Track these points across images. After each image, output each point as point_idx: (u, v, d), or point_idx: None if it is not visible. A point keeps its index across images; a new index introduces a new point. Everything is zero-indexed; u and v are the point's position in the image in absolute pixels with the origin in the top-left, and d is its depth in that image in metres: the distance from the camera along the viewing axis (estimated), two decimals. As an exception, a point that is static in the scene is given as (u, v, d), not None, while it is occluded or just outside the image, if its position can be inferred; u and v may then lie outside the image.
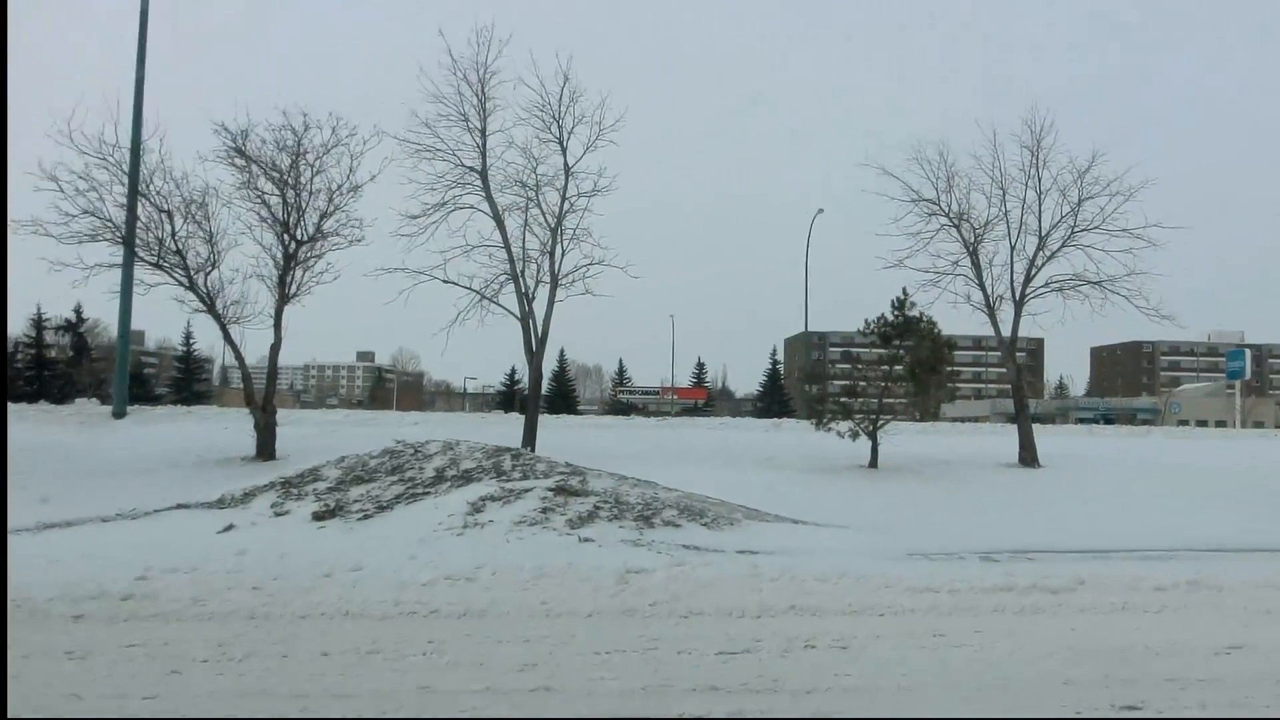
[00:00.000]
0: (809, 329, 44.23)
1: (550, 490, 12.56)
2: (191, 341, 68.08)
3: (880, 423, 19.78)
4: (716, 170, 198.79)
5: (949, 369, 21.09)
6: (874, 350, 20.85)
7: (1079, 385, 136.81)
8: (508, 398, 75.96)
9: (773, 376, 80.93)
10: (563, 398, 76.31)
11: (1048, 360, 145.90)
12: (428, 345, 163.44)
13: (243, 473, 16.03)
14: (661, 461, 18.22)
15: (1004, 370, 23.46)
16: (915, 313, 20.13)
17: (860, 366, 20.71)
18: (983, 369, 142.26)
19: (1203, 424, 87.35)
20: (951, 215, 21.94)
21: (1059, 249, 21.68)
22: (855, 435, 19.69)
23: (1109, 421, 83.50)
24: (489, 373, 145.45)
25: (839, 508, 14.75)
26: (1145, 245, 20.69)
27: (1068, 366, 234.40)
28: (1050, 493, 17.56)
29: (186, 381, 66.43)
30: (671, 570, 9.90)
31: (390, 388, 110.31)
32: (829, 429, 19.91)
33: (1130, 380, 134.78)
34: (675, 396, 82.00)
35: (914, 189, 21.97)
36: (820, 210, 50.65)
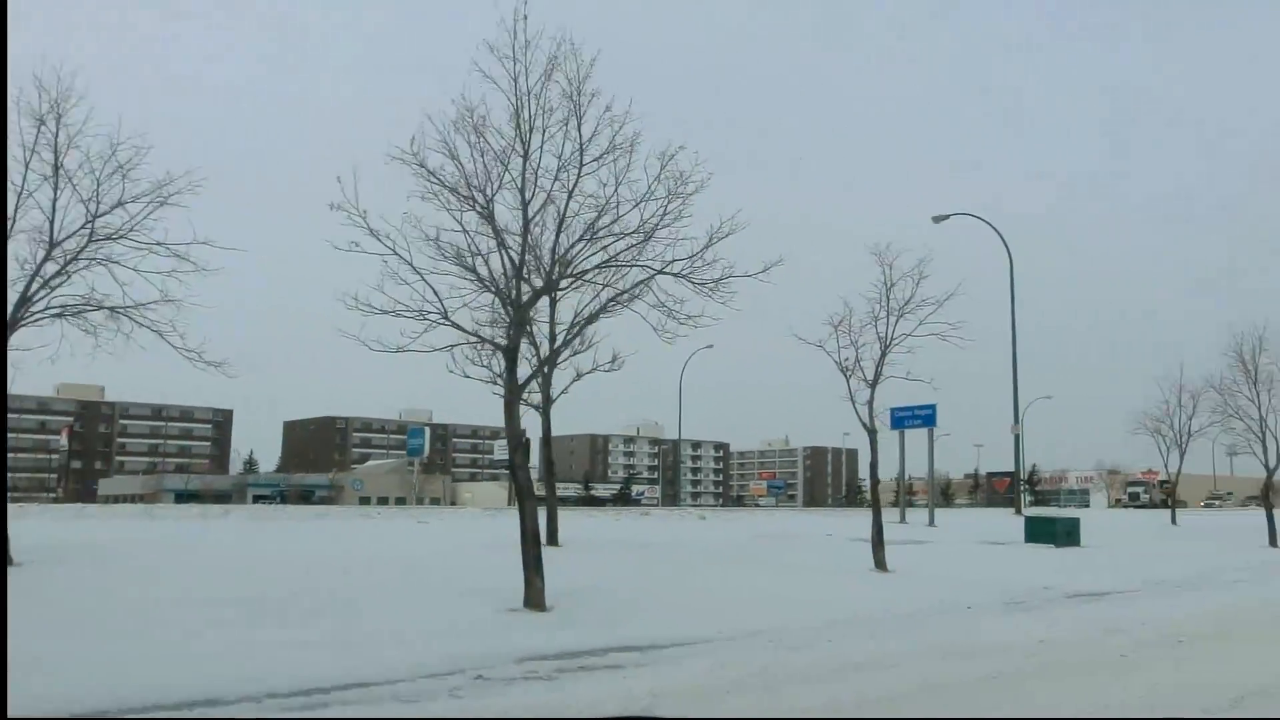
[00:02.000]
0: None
1: None
2: None
3: None
4: None
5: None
6: None
7: (270, 461, 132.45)
8: None
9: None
10: None
11: (237, 433, 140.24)
12: None
13: None
14: None
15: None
16: None
17: None
18: (160, 441, 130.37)
19: (384, 500, 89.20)
20: None
21: (71, 262, 15.05)
22: None
23: (284, 500, 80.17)
24: None
25: None
26: (194, 269, 15.16)
27: (259, 441, 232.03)
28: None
29: None
30: None
31: None
32: None
33: (324, 456, 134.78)
34: None
35: None
36: None
